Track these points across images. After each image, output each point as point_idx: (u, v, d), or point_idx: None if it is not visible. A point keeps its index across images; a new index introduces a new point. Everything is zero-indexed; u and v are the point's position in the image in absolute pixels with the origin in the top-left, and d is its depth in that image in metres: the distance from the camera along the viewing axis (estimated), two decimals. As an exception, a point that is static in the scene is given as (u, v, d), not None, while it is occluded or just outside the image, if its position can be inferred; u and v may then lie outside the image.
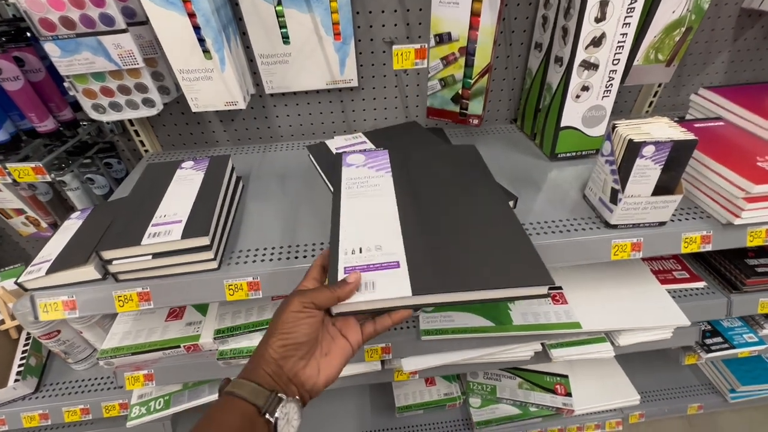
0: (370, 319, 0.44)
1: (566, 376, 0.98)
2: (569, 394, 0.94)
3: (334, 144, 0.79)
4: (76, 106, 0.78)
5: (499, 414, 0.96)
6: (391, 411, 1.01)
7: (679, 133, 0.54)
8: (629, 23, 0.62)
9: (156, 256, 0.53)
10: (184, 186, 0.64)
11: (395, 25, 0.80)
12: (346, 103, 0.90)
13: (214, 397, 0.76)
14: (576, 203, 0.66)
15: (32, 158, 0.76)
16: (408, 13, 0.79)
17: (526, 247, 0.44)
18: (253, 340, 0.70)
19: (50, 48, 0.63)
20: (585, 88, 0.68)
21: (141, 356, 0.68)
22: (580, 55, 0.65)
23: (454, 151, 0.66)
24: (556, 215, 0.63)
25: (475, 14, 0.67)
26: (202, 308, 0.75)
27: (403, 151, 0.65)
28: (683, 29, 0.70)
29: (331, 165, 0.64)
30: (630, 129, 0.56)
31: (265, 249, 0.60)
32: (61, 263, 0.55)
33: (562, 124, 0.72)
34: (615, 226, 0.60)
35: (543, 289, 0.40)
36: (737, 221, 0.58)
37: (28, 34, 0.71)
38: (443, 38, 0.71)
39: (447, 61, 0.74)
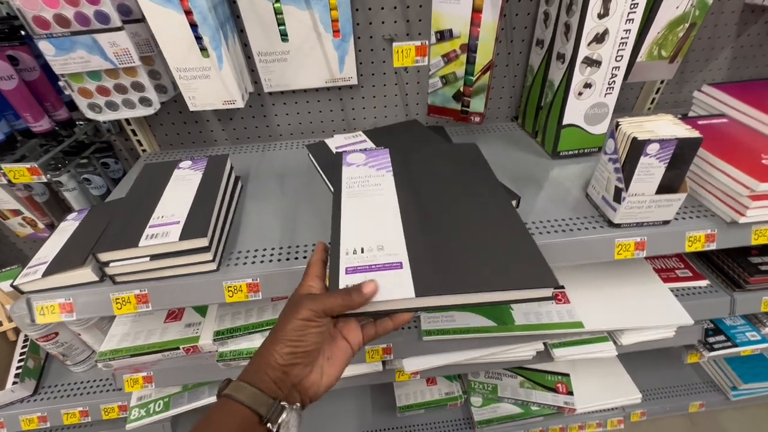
0: (370, 321, 0.43)
1: (567, 375, 0.98)
2: (571, 393, 0.94)
3: (334, 143, 0.78)
4: (72, 106, 0.76)
5: (500, 413, 0.96)
6: (392, 411, 1.01)
7: (684, 131, 0.53)
8: (632, 19, 0.61)
9: (154, 257, 0.52)
10: (182, 186, 0.63)
11: (395, 22, 0.79)
12: (346, 102, 0.90)
13: (215, 399, 0.75)
14: (578, 202, 0.65)
15: (28, 158, 0.75)
16: (408, 10, 0.78)
17: (530, 248, 0.44)
18: (253, 342, 0.69)
19: (44, 46, 0.62)
20: (587, 85, 0.67)
21: (140, 358, 0.68)
22: (583, 51, 0.64)
23: (455, 149, 0.66)
24: (558, 214, 0.63)
25: (476, 10, 0.66)
26: (202, 309, 0.74)
27: (404, 150, 0.64)
28: (687, 25, 0.69)
29: (331, 164, 0.64)
30: (634, 127, 0.55)
31: (264, 250, 0.60)
32: (57, 265, 0.54)
33: (564, 122, 0.72)
34: (618, 225, 0.59)
35: (548, 292, 0.39)
36: (742, 220, 0.57)
37: (22, 33, 0.70)
38: (444, 35, 0.71)
39: (448, 58, 0.73)
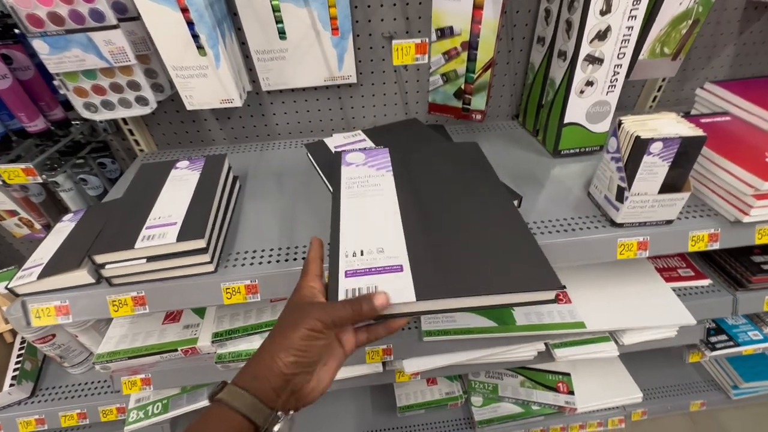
0: (363, 326, 0.42)
1: (568, 374, 0.97)
2: (572, 392, 0.94)
3: (333, 142, 0.78)
4: (67, 105, 0.76)
5: (501, 413, 0.95)
6: (392, 411, 1.00)
7: (688, 129, 0.53)
8: (635, 16, 0.60)
9: (150, 259, 0.52)
10: (179, 187, 0.62)
11: (394, 19, 0.78)
12: (345, 100, 0.89)
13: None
14: (580, 201, 0.65)
15: (24, 159, 0.75)
16: (407, 7, 0.77)
17: (532, 249, 0.43)
18: (252, 343, 0.68)
19: (38, 45, 0.61)
20: (589, 83, 0.67)
21: (138, 360, 0.67)
22: (585, 49, 0.63)
23: (456, 148, 0.65)
24: (559, 214, 0.62)
25: (477, 7, 0.65)
26: (200, 311, 0.74)
27: (404, 149, 0.63)
28: (690, 22, 0.69)
29: (330, 164, 0.63)
30: (637, 125, 0.55)
31: (263, 251, 0.59)
32: (52, 268, 0.53)
33: (566, 120, 0.71)
34: (621, 225, 0.58)
35: (551, 294, 0.38)
36: (746, 219, 0.57)
37: (16, 31, 0.69)
38: (445, 32, 0.70)
39: (449, 55, 0.72)
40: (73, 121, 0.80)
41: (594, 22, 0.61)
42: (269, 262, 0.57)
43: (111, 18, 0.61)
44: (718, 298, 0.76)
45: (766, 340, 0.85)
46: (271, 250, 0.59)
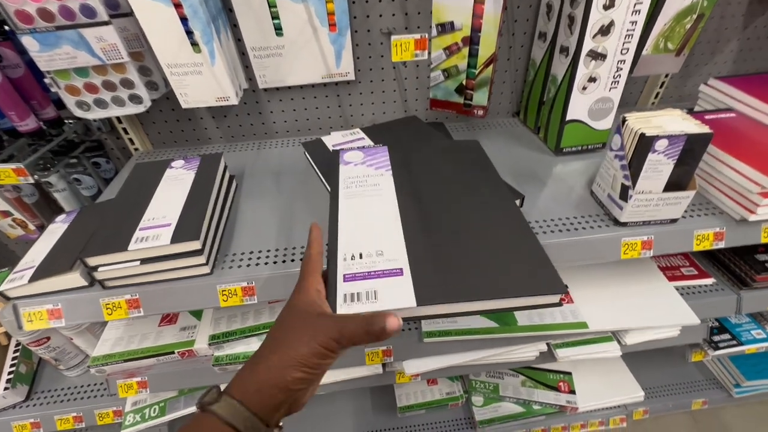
0: None
1: (570, 374, 0.96)
2: (573, 392, 0.93)
3: (331, 140, 0.76)
4: (59, 104, 0.74)
5: (501, 412, 0.95)
6: (392, 411, 0.99)
7: (693, 126, 0.52)
8: (639, 10, 0.59)
9: (144, 261, 0.50)
10: (174, 187, 0.61)
11: (393, 15, 0.77)
12: (343, 98, 0.87)
13: (211, 403, 0.74)
14: (583, 200, 0.63)
15: (16, 158, 0.73)
16: (407, 3, 0.75)
17: (535, 251, 0.42)
18: (249, 345, 0.67)
19: (28, 42, 0.59)
20: (592, 80, 0.65)
21: (134, 363, 0.66)
22: (588, 44, 0.62)
23: (456, 147, 0.64)
24: (562, 213, 0.61)
25: (478, 2, 0.64)
26: (197, 312, 0.72)
27: (404, 148, 0.62)
28: (695, 16, 0.67)
29: (328, 163, 0.62)
30: (641, 122, 0.54)
31: (260, 252, 0.58)
32: (44, 270, 0.52)
33: (568, 118, 0.70)
34: (625, 224, 0.57)
35: (555, 298, 0.37)
36: (752, 217, 0.55)
37: (5, 28, 0.67)
38: (446, 28, 0.68)
39: (450, 51, 0.71)
40: (66, 120, 0.79)
41: (597, 17, 0.59)
42: (266, 263, 0.56)
43: (102, 14, 0.59)
44: (721, 297, 0.75)
45: (769, 338, 0.84)
46: (268, 251, 0.58)
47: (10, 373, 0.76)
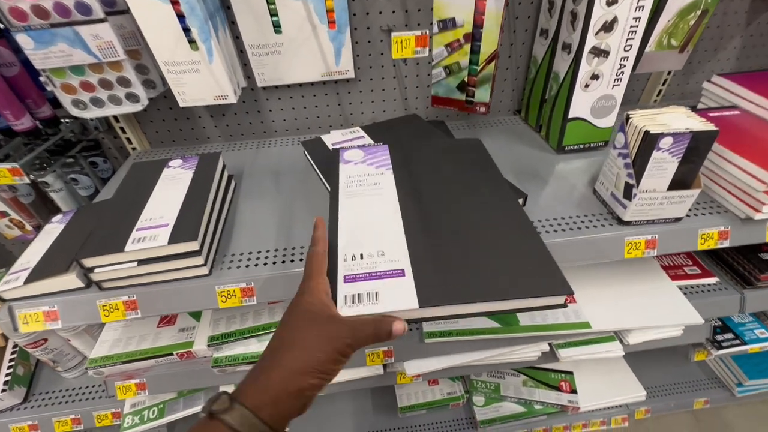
0: None
1: (571, 373, 0.96)
2: (574, 391, 0.93)
3: (331, 139, 0.75)
4: (55, 103, 0.73)
5: (503, 412, 0.94)
6: (393, 411, 0.99)
7: (699, 124, 0.51)
8: (643, 6, 0.58)
9: (142, 262, 0.50)
10: (172, 186, 0.60)
11: (393, 12, 0.76)
12: (343, 96, 0.86)
13: (210, 404, 0.73)
14: (586, 199, 0.63)
15: (12, 158, 0.72)
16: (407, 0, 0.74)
17: (539, 251, 0.41)
18: (248, 347, 0.67)
19: (23, 40, 0.59)
20: (595, 77, 0.65)
21: (132, 365, 0.65)
22: (590, 41, 0.61)
23: (458, 145, 0.63)
24: (564, 212, 0.60)
25: (480, -2, 0.63)
26: (196, 313, 0.72)
27: (404, 147, 0.61)
28: (699, 12, 0.67)
29: (328, 162, 0.61)
30: (645, 120, 0.53)
31: (259, 252, 0.57)
32: (40, 272, 0.51)
33: (570, 115, 0.69)
34: (628, 223, 0.57)
35: (560, 299, 0.36)
36: (757, 216, 0.55)
37: (0, 26, 0.66)
38: (447, 24, 0.68)
39: (451, 48, 0.70)
40: (62, 119, 0.78)
41: (600, 13, 0.59)
42: (265, 264, 0.55)
43: (98, 11, 0.58)
44: (725, 297, 0.74)
45: (772, 337, 0.84)
46: (268, 251, 0.57)
47: (7, 375, 0.75)
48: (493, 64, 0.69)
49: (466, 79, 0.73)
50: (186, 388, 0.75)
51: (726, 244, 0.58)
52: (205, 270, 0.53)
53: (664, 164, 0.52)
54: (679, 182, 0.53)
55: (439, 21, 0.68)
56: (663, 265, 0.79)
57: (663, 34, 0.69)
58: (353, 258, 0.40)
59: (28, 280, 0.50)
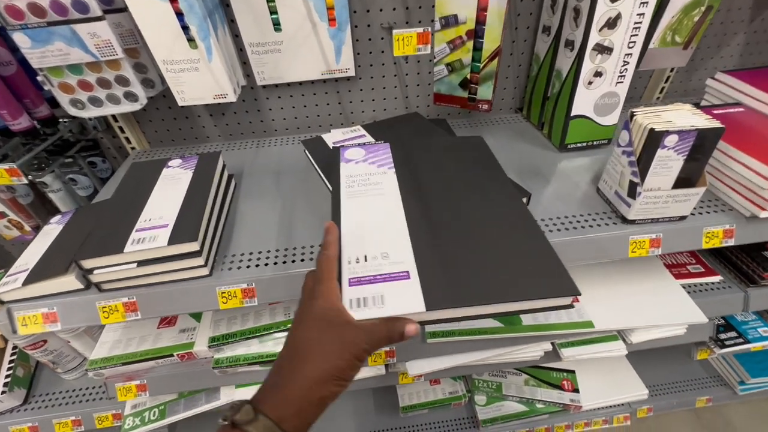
0: None
1: (573, 372, 0.96)
2: (576, 390, 0.92)
3: (332, 138, 0.75)
4: (53, 102, 0.72)
5: (505, 411, 0.94)
6: (394, 410, 0.99)
7: (704, 121, 0.50)
8: (647, 2, 0.58)
9: (141, 263, 0.49)
10: (171, 186, 0.59)
11: (394, 9, 0.75)
12: (343, 94, 0.86)
13: (212, 406, 0.73)
14: (589, 197, 0.62)
15: (10, 158, 0.71)
16: (407, -4, 0.74)
17: (545, 252, 0.40)
18: (250, 347, 0.66)
19: (19, 38, 0.58)
20: (598, 74, 0.64)
21: (132, 366, 0.65)
22: (594, 37, 0.60)
23: (460, 143, 0.62)
24: (567, 210, 0.60)
25: (482, -5, 0.62)
26: (196, 314, 0.71)
27: (406, 145, 0.60)
28: (703, 8, 0.66)
29: (329, 161, 0.60)
30: (650, 117, 0.52)
31: (260, 252, 0.56)
32: (38, 273, 0.51)
33: (573, 113, 0.68)
34: (633, 222, 0.56)
35: (567, 300, 0.36)
36: (762, 214, 0.54)
37: (-4, 24, 0.65)
38: (449, 21, 0.67)
39: (454, 45, 0.69)
40: (60, 119, 0.77)
41: (604, 10, 0.58)
42: (267, 264, 0.54)
43: (96, 9, 0.58)
44: (729, 295, 0.74)
45: (776, 336, 0.83)
46: (269, 251, 0.56)
47: (7, 377, 0.75)
48: (495, 61, 0.68)
49: (468, 77, 0.73)
50: (187, 390, 0.74)
51: (731, 242, 0.57)
52: (205, 271, 0.52)
53: (669, 162, 0.51)
54: (684, 180, 0.53)
55: (441, 18, 0.67)
56: (666, 263, 0.78)
57: (667, 31, 0.68)
58: (357, 260, 0.40)
59: (27, 281, 0.50)
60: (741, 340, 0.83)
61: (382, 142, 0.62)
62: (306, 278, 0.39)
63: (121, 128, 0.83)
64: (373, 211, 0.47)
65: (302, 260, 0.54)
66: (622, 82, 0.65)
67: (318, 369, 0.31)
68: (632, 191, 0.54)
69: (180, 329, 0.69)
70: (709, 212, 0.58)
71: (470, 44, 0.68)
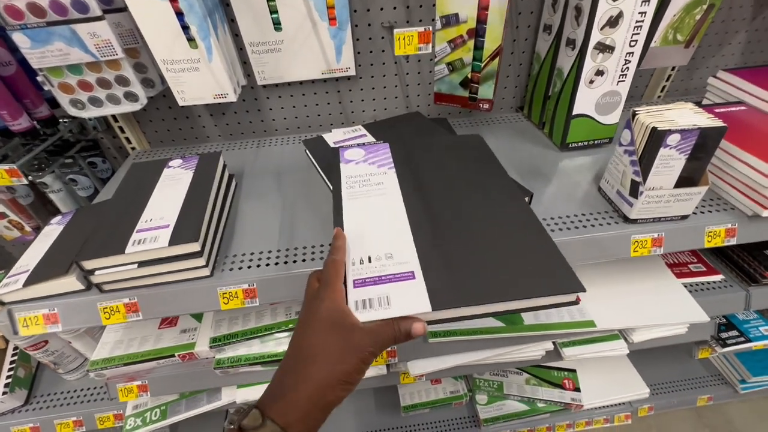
0: None
1: (574, 371, 0.96)
2: (577, 389, 0.92)
3: (333, 138, 0.75)
4: (53, 103, 0.72)
5: (506, 410, 0.94)
6: (396, 410, 0.99)
7: (707, 120, 0.50)
8: (648, 0, 0.57)
9: (142, 264, 0.49)
10: (172, 187, 0.59)
11: (394, 8, 0.75)
12: (344, 94, 0.85)
13: (213, 406, 0.73)
14: (591, 196, 0.62)
15: (11, 158, 0.71)
16: (408, -5, 0.73)
17: (549, 249, 0.40)
18: (251, 348, 0.66)
19: (19, 38, 0.58)
20: (599, 73, 0.64)
21: (133, 367, 0.65)
22: (595, 36, 0.60)
23: (459, 142, 0.62)
24: (569, 210, 0.60)
25: (483, -7, 0.62)
26: (197, 314, 0.71)
27: (407, 144, 0.60)
28: (705, 6, 0.66)
29: (329, 161, 0.60)
30: (652, 116, 0.52)
31: (261, 253, 0.56)
32: (39, 274, 0.50)
33: (574, 112, 0.68)
34: (635, 221, 0.56)
35: (572, 297, 0.36)
36: (765, 213, 0.54)
37: (-4, 24, 0.65)
38: (450, 20, 0.67)
39: (455, 44, 0.69)
40: (60, 119, 0.77)
41: (605, 8, 0.58)
42: (268, 264, 0.54)
43: (95, 9, 0.57)
44: (730, 294, 0.74)
45: (777, 335, 0.83)
46: (270, 252, 0.56)
47: (8, 377, 0.75)
48: (496, 60, 0.68)
49: (469, 76, 0.72)
50: (188, 390, 0.74)
51: (733, 241, 0.57)
52: (206, 271, 0.52)
53: (671, 161, 0.51)
54: (686, 179, 0.53)
55: (442, 17, 0.67)
56: (668, 262, 0.78)
57: (668, 29, 0.68)
58: (361, 261, 0.39)
59: (28, 282, 0.50)
60: (742, 339, 0.83)
61: (381, 142, 0.62)
62: (309, 279, 0.39)
63: (121, 128, 0.83)
64: (375, 212, 0.47)
65: (304, 260, 0.54)
66: (623, 80, 0.65)
67: (325, 374, 0.31)
68: (634, 190, 0.54)
69: (181, 330, 0.69)
70: (711, 211, 0.58)
71: (471, 43, 0.68)
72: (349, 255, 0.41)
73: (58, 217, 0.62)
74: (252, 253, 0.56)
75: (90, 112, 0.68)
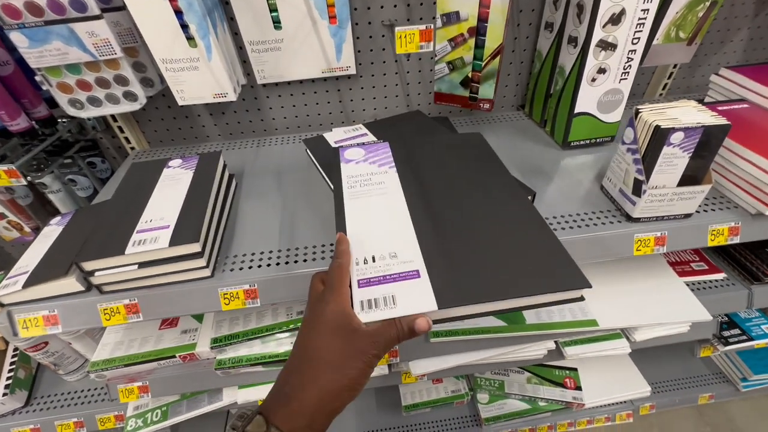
0: None
1: (575, 369, 0.96)
2: (579, 388, 0.92)
3: (333, 137, 0.74)
4: (52, 102, 0.72)
5: (507, 409, 0.94)
6: (397, 409, 0.99)
7: (710, 118, 0.50)
8: (651, -2, 0.57)
9: (142, 265, 0.49)
10: (172, 187, 0.59)
11: (395, 6, 0.74)
12: (344, 93, 0.85)
13: (214, 407, 0.73)
14: (593, 195, 0.62)
15: (9, 159, 0.71)
16: (408, -7, 0.73)
17: (554, 246, 0.40)
18: (252, 348, 0.66)
19: (17, 38, 0.57)
20: (601, 71, 0.63)
21: (134, 368, 0.64)
22: (597, 34, 0.60)
23: (459, 140, 0.62)
24: (571, 209, 0.59)
25: (484, -9, 0.62)
26: (198, 315, 0.71)
27: (408, 143, 0.60)
28: (707, 4, 0.65)
29: (330, 160, 0.59)
30: (655, 114, 0.52)
31: (261, 253, 0.56)
32: (39, 276, 0.50)
33: (576, 110, 0.68)
34: (637, 220, 0.56)
35: (578, 293, 0.36)
36: (768, 211, 0.54)
37: (-6, 24, 0.65)
38: (451, 18, 0.66)
39: (455, 42, 0.68)
40: (59, 119, 0.76)
41: (608, 6, 0.57)
42: (269, 264, 0.54)
43: (94, 8, 0.57)
44: (733, 292, 0.74)
45: (780, 333, 0.83)
46: (271, 252, 0.56)
47: (8, 379, 0.74)
48: (497, 59, 0.67)
49: (470, 75, 0.72)
50: (189, 390, 0.74)
51: (736, 240, 0.57)
52: (207, 272, 0.52)
53: (674, 160, 0.51)
54: (690, 178, 0.52)
55: (443, 15, 0.67)
56: (670, 261, 0.78)
57: (671, 27, 0.68)
58: (365, 261, 0.39)
59: (27, 283, 0.49)
60: (744, 337, 0.83)
61: (381, 141, 0.61)
62: (312, 281, 0.39)
63: (120, 128, 0.82)
64: (378, 211, 0.46)
65: (305, 260, 0.54)
66: (626, 78, 0.65)
67: (329, 380, 0.31)
68: (637, 189, 0.53)
69: (182, 330, 0.69)
70: (714, 210, 0.57)
71: (472, 42, 0.68)
72: (353, 255, 0.40)
73: (58, 218, 0.62)
74: (253, 254, 0.56)
75: (89, 112, 0.68)
